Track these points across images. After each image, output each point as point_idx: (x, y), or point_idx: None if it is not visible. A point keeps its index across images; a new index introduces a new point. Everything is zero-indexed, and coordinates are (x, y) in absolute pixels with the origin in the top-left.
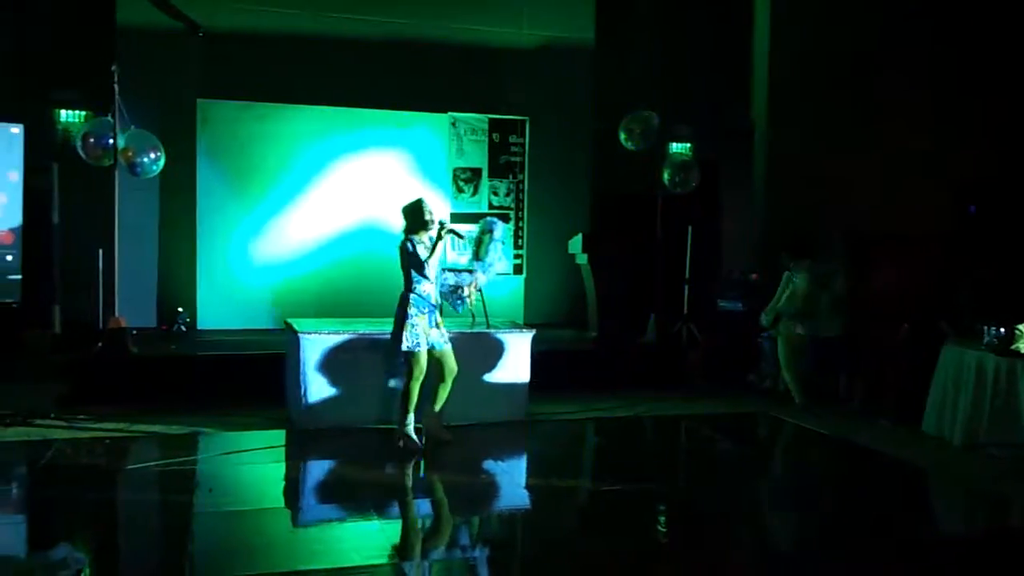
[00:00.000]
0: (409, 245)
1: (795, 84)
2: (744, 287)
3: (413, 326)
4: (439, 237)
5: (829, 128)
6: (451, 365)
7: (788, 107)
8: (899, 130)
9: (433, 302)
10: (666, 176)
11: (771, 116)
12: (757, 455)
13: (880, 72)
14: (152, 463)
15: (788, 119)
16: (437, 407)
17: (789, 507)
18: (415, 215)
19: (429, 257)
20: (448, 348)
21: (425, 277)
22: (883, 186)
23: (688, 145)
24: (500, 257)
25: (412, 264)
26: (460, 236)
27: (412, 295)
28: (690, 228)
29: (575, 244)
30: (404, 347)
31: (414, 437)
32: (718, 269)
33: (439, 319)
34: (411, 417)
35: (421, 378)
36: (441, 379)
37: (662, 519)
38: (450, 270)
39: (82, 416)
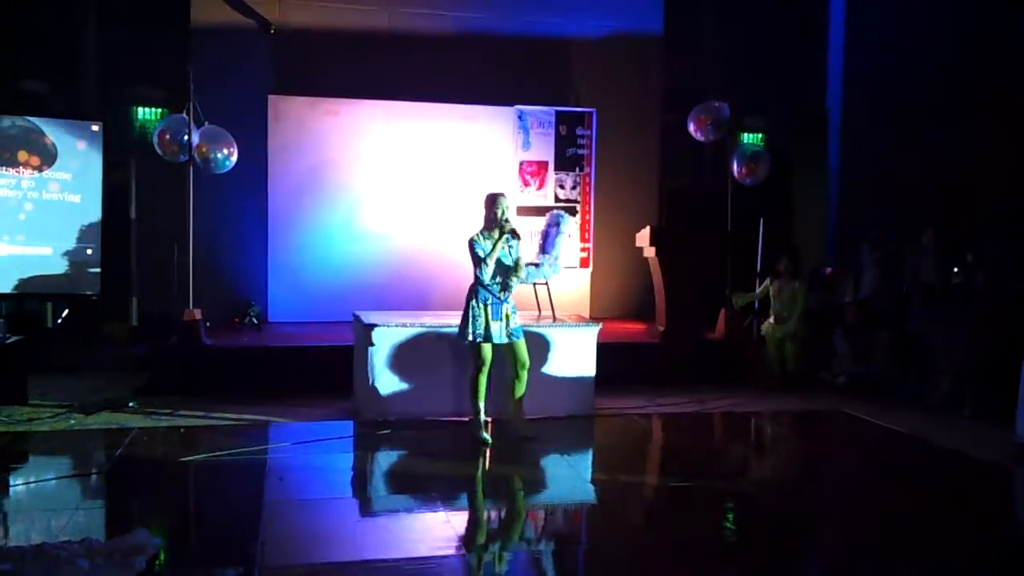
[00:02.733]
0: (473, 239)
1: (870, 72)
2: (818, 281)
3: (475, 317)
4: (500, 236)
5: (906, 117)
6: (521, 358)
7: (863, 96)
8: (981, 118)
9: (499, 295)
10: (735, 168)
11: (845, 105)
12: (829, 452)
13: (962, 57)
14: (224, 452)
15: (864, 108)
16: (515, 401)
17: (860, 506)
18: (486, 210)
19: (488, 253)
20: (517, 341)
21: (483, 272)
22: (963, 176)
23: (760, 136)
24: (566, 251)
25: (472, 258)
26: (516, 237)
27: (477, 287)
28: (761, 221)
29: (643, 237)
30: (466, 339)
31: (482, 432)
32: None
33: (508, 312)
34: (481, 406)
35: (484, 369)
36: (515, 373)
37: (731, 516)
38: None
39: (158, 405)
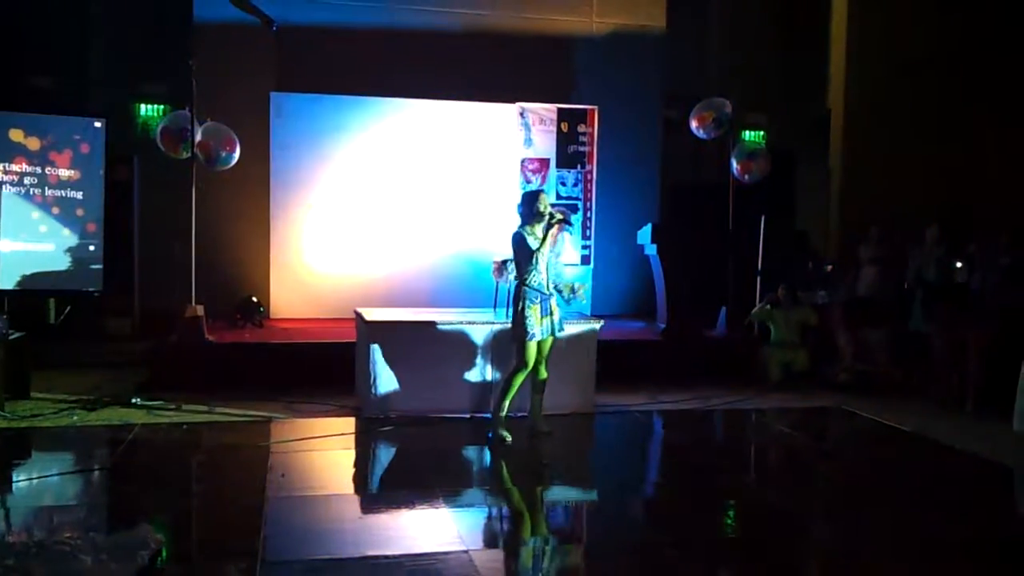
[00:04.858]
0: (520, 236)
1: (874, 71)
2: (819, 279)
3: (527, 317)
4: (549, 227)
5: (908, 115)
6: (546, 353)
7: (866, 94)
8: (983, 119)
9: (545, 291)
10: (735, 165)
11: (848, 103)
12: (829, 449)
13: (965, 56)
14: (226, 448)
15: (866, 107)
16: (539, 384)
17: (859, 503)
18: (529, 206)
19: (540, 247)
20: (551, 338)
21: (535, 268)
22: (969, 176)
23: (761, 133)
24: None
25: (522, 255)
26: (569, 223)
27: (524, 286)
28: (763, 219)
29: (644, 235)
30: (519, 338)
31: (503, 430)
32: (792, 261)
33: (553, 307)
34: (506, 405)
35: (527, 370)
36: (534, 369)
37: (731, 513)
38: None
39: (160, 401)
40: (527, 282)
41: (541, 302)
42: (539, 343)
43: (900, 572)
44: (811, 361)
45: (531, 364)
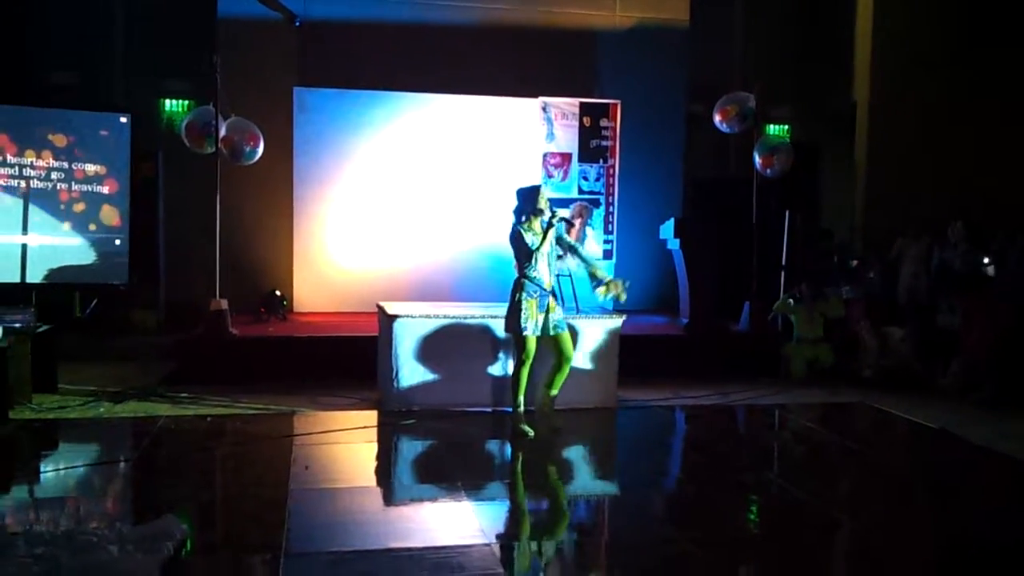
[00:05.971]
0: (518, 233)
1: (899, 64)
2: (844, 273)
3: (522, 310)
4: (550, 225)
5: (935, 110)
6: (567, 352)
7: (891, 87)
8: (1010, 111)
9: (545, 287)
10: (757, 159)
11: (873, 96)
12: (852, 446)
13: (991, 49)
14: (250, 440)
15: (891, 100)
16: (552, 392)
17: (883, 500)
18: (529, 201)
19: (539, 245)
20: (564, 334)
21: (533, 264)
22: (996, 170)
23: (785, 127)
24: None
25: (520, 252)
26: (571, 224)
27: (523, 279)
28: (787, 213)
29: (667, 229)
30: (512, 330)
31: (523, 424)
32: (816, 255)
33: (552, 304)
34: (521, 400)
35: (529, 362)
36: (557, 365)
37: (754, 509)
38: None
39: (185, 394)
40: (527, 275)
41: (539, 297)
42: (551, 339)
43: (923, 571)
44: (835, 357)
45: (532, 355)
